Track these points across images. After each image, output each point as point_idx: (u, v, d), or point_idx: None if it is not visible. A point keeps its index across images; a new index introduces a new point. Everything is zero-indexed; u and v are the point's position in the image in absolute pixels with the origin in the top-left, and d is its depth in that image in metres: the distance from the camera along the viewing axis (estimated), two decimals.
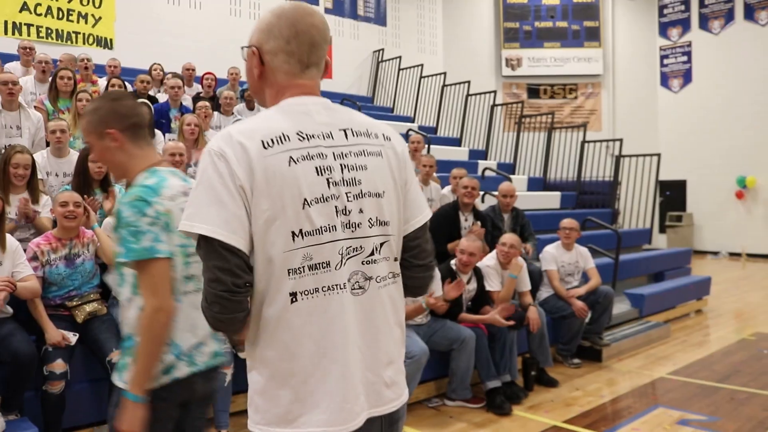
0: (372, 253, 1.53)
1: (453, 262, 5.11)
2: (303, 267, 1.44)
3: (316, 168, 1.47)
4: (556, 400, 5.02)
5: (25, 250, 3.84)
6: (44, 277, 3.85)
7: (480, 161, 10.97)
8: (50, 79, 6.43)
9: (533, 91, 16.88)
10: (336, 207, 1.48)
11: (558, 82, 16.94)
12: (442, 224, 5.76)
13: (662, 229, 16.23)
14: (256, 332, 1.49)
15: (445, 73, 13.32)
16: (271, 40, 1.55)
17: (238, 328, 1.47)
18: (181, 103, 7.10)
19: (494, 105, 12.56)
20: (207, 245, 1.40)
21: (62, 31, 10.52)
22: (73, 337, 3.75)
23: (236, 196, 1.40)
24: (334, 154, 1.50)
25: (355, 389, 1.49)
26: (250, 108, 8.38)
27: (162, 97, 7.61)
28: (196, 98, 7.84)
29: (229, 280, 1.39)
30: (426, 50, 15.75)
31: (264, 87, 1.60)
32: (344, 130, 1.55)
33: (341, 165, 1.50)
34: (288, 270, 1.43)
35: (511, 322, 4.99)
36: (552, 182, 11.64)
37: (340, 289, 1.48)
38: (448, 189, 6.91)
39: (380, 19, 15.12)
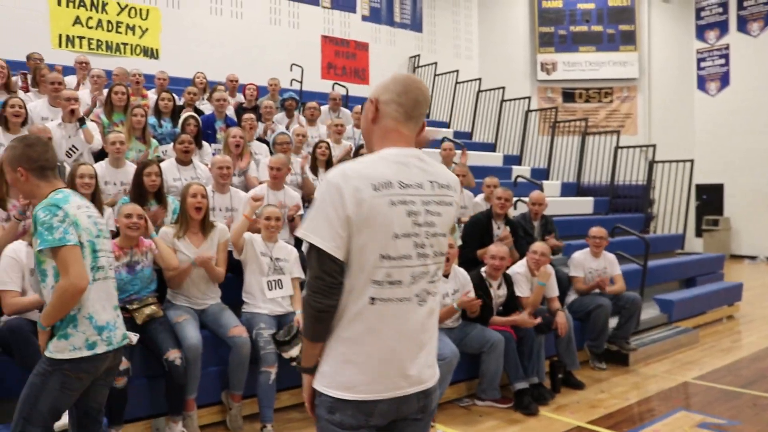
0: (432, 276, 2.06)
1: (483, 269, 5.38)
2: (384, 281, 1.95)
3: (407, 211, 1.97)
4: (581, 402, 5.25)
5: None
6: None
7: (514, 166, 11.17)
8: (105, 93, 6.86)
9: (568, 96, 16.98)
10: (415, 242, 1.99)
11: (593, 86, 17.01)
12: (475, 232, 6.02)
13: (698, 233, 16.21)
14: (339, 319, 1.98)
15: (480, 79, 13.54)
16: (387, 93, 2.07)
17: (330, 315, 1.98)
18: (226, 115, 7.47)
19: (528, 110, 12.74)
20: (317, 253, 1.92)
21: (112, 42, 11.04)
22: (134, 338, 4.10)
23: (343, 222, 1.90)
24: (422, 201, 2.00)
25: (403, 371, 2.00)
26: (290, 116, 8.72)
27: (207, 108, 8.00)
28: (240, 109, 8.21)
29: (328, 280, 1.92)
30: (461, 55, 15.99)
31: (374, 129, 2.10)
32: (431, 182, 2.04)
33: (425, 210, 2.01)
34: (372, 280, 1.94)
35: (538, 320, 5.25)
36: (585, 186, 11.78)
37: (408, 301, 2.00)
38: (481, 197, 7.15)
39: (416, 25, 15.40)
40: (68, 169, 5.36)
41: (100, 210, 4.77)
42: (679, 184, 10.86)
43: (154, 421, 4.40)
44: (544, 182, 10.63)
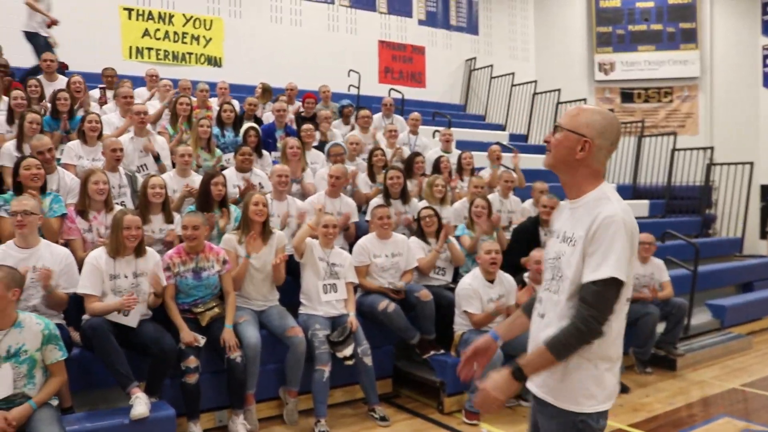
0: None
1: (526, 275, 5.56)
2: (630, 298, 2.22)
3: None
4: (625, 405, 5.38)
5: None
6: (176, 285, 4.60)
7: None
8: (171, 104, 7.31)
9: (627, 96, 16.80)
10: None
11: (652, 85, 16.78)
12: (522, 238, 6.19)
13: (763, 235, 15.84)
14: (604, 340, 2.14)
15: (536, 81, 13.60)
16: (602, 139, 2.20)
17: None
18: (285, 124, 7.82)
19: None
20: (617, 287, 2.08)
21: (177, 52, 11.57)
22: (202, 340, 4.47)
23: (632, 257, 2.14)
24: None
25: None
26: (347, 123, 9.03)
27: (268, 117, 8.37)
28: (298, 117, 8.55)
29: (612, 308, 2.12)
30: (518, 57, 16.01)
31: (579, 165, 2.22)
32: None
33: None
34: (627, 299, 2.19)
35: None
36: (642, 188, 11.72)
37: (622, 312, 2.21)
38: (529, 203, 7.30)
39: (472, 27, 15.51)
40: (140, 180, 5.80)
41: (171, 218, 5.16)
42: (740, 185, 10.71)
43: (218, 414, 4.75)
44: None
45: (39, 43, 8.57)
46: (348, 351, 4.88)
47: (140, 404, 3.95)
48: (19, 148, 5.88)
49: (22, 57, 8.70)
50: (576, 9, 16.56)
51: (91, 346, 4.18)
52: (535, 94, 13.42)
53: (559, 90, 13.13)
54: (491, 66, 14.41)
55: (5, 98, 6.98)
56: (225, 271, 4.74)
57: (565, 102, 12.94)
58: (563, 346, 2.10)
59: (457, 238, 6.07)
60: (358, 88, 12.24)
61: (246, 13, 12.35)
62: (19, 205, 4.18)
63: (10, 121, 6.54)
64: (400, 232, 6.10)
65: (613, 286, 2.05)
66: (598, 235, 2.08)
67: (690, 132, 16.28)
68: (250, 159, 6.14)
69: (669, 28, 16.68)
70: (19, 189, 4.84)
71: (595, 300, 2.06)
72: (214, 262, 4.72)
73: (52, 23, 8.71)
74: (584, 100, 13.02)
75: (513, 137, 12.84)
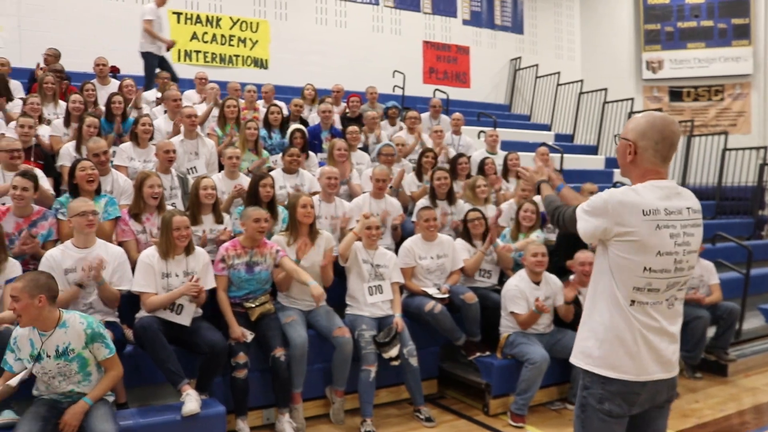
0: (682, 285, 2.49)
1: (571, 277, 5.52)
2: (644, 288, 2.41)
3: (670, 234, 2.40)
4: (674, 410, 5.25)
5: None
6: (228, 276, 4.70)
7: (616, 170, 11.06)
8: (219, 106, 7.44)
9: (675, 94, 16.47)
10: (675, 258, 2.41)
11: (702, 83, 16.41)
12: (570, 240, 6.12)
13: None
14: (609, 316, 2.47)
15: (582, 81, 13.44)
16: (644, 140, 2.44)
17: None
18: (331, 125, 7.89)
19: (632, 112, 12.54)
20: (574, 221, 2.55)
21: (225, 55, 11.76)
22: (249, 336, 4.56)
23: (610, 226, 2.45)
24: (680, 224, 2.42)
25: (658, 358, 2.44)
26: (393, 124, 9.06)
27: (314, 117, 8.46)
28: (344, 118, 8.62)
29: None
30: (563, 56, 15.84)
31: (632, 168, 2.51)
32: (688, 209, 2.46)
33: (683, 232, 2.43)
34: (633, 287, 2.41)
35: None
36: (691, 188, 11.36)
37: (660, 304, 2.45)
38: None
39: (517, 27, 15.40)
40: (191, 181, 5.93)
41: (221, 218, 5.27)
42: None
43: (266, 412, 4.83)
44: None
45: (152, 63, 8.96)
46: (394, 352, 4.91)
47: (191, 401, 4.05)
48: (77, 149, 6.07)
49: (79, 61, 8.97)
50: (623, 6, 16.30)
51: (142, 345, 4.30)
52: (581, 93, 13.26)
53: (605, 89, 12.97)
54: (536, 65, 14.29)
55: (62, 102, 7.21)
56: (280, 257, 4.82)
57: (612, 101, 12.77)
58: (546, 204, 2.85)
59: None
60: (403, 88, 12.27)
61: (291, 15, 12.49)
62: (86, 205, 4.34)
63: (67, 123, 6.75)
64: (445, 233, 6.11)
65: (574, 225, 2.54)
66: (598, 195, 2.49)
67: (742, 131, 15.88)
68: (298, 160, 6.22)
69: (720, 24, 16.29)
70: (75, 190, 5.00)
71: (569, 215, 2.60)
72: (267, 257, 4.81)
73: (170, 46, 9.25)
74: (631, 99, 12.79)
75: (559, 137, 12.73)
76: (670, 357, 2.48)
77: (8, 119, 6.74)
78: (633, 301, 2.42)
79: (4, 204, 4.97)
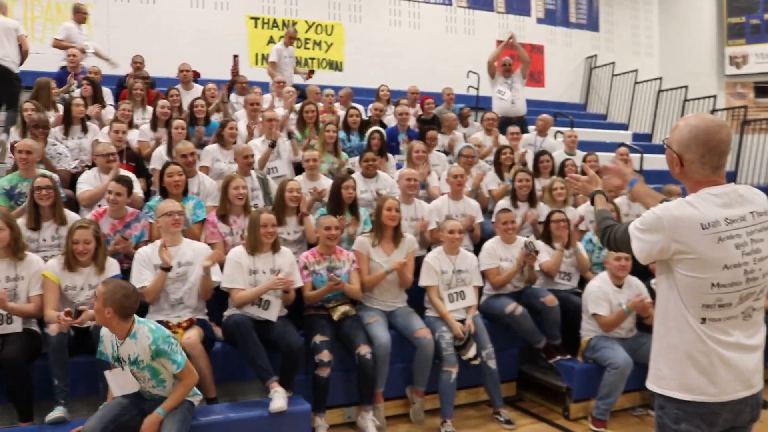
0: (758, 294, 2.31)
1: (653, 281, 5.40)
2: (714, 305, 2.26)
3: (735, 244, 2.23)
4: (764, 422, 5.10)
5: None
6: (312, 282, 4.82)
7: None
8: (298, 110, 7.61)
9: (761, 90, 15.80)
10: (744, 269, 2.24)
11: None
12: None
13: None
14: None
15: (660, 78, 13.09)
16: (689, 153, 2.29)
17: None
18: (408, 127, 7.95)
19: (714, 110, 12.14)
20: (628, 243, 2.40)
21: (300, 58, 11.95)
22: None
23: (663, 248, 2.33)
24: (746, 232, 2.25)
25: (737, 375, 2.29)
26: (465, 125, 9.04)
27: (389, 120, 8.53)
28: (420, 121, 8.66)
29: None
30: (641, 53, 15.44)
31: (685, 180, 2.35)
32: (752, 213, 2.27)
33: (750, 240, 2.25)
34: (702, 305, 2.27)
35: None
36: None
37: (735, 318, 2.28)
38: None
39: (593, 24, 15.12)
40: (271, 182, 6.09)
41: (302, 222, 5.39)
42: None
43: (346, 410, 4.93)
44: None
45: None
46: (471, 352, 4.93)
47: (279, 398, 4.17)
48: (169, 152, 6.32)
49: (162, 68, 9.31)
50: (704, 0, 15.79)
51: (233, 341, 4.45)
52: (660, 91, 12.93)
53: (686, 87, 12.60)
54: (613, 63, 14.00)
55: (149, 107, 7.51)
56: (353, 269, 4.92)
57: (693, 99, 12.41)
58: (598, 220, 2.68)
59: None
60: (477, 89, 12.23)
61: (366, 18, 12.62)
62: (173, 206, 4.55)
63: (153, 127, 7.03)
64: (524, 232, 6.08)
65: (628, 246, 2.38)
66: (650, 210, 2.33)
67: None
68: (374, 164, 6.29)
69: None
70: (164, 193, 5.23)
71: (621, 234, 2.45)
72: (345, 262, 4.92)
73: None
74: (713, 96, 12.39)
75: (636, 137, 12.44)
76: (752, 372, 2.31)
77: (101, 125, 7.06)
78: (704, 319, 2.26)
79: (100, 206, 5.24)
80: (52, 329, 3.99)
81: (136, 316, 3.65)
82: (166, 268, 4.33)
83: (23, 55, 7.66)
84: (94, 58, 8.79)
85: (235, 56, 8.80)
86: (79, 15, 8.87)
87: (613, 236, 2.51)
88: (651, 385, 2.43)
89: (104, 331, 3.72)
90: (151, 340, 3.57)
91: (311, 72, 9.91)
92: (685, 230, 2.22)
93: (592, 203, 2.88)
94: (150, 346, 3.57)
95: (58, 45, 8.65)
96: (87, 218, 4.76)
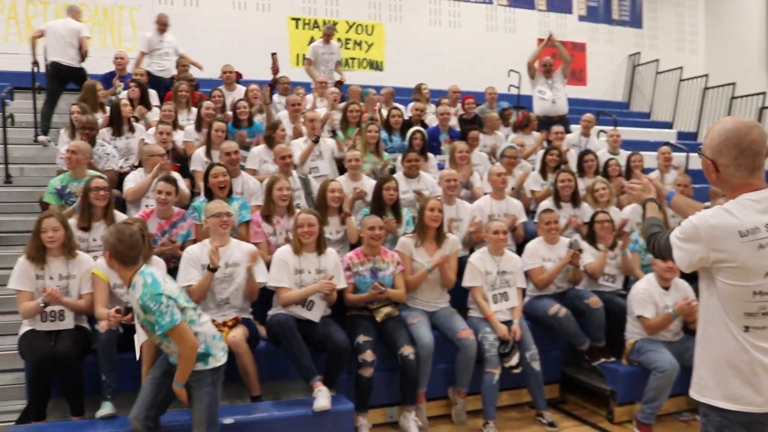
0: None
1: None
2: (757, 313, 2.23)
3: None
4: None
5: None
6: (354, 284, 4.84)
7: None
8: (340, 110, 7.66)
9: None
10: None
11: None
12: None
13: None
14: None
15: (707, 75, 12.83)
16: (722, 157, 2.26)
17: None
18: (449, 127, 7.93)
19: (763, 107, 11.84)
20: (669, 251, 2.42)
21: (341, 58, 12.01)
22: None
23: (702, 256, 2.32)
24: None
25: None
26: (507, 125, 8.97)
27: (431, 119, 8.52)
28: (461, 120, 8.63)
29: None
30: (686, 50, 15.17)
31: (722, 185, 2.33)
32: None
33: None
34: (744, 313, 2.25)
35: None
36: None
37: None
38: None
39: (636, 21, 14.90)
40: (313, 182, 6.13)
41: (344, 219, 5.42)
42: None
43: (388, 410, 4.95)
44: None
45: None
46: (514, 360, 4.91)
47: (323, 397, 4.20)
48: (207, 154, 6.41)
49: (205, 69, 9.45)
50: None
51: (277, 340, 4.50)
52: (706, 88, 12.66)
53: (733, 84, 12.31)
54: (657, 60, 13.79)
55: (194, 109, 7.63)
56: (398, 271, 4.92)
57: (741, 96, 12.11)
58: (646, 227, 2.65)
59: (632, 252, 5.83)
60: (518, 87, 12.14)
61: (406, 18, 12.64)
62: (222, 207, 4.59)
63: (198, 128, 7.14)
64: (567, 233, 6.02)
65: (670, 254, 2.37)
66: (689, 219, 2.31)
67: None
68: (417, 164, 6.28)
69: None
70: (209, 194, 5.30)
71: (664, 243, 2.43)
72: (389, 264, 4.92)
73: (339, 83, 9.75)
74: (763, 94, 12.06)
75: (681, 135, 12.22)
76: None
77: (147, 126, 7.20)
78: (747, 327, 2.24)
79: (147, 206, 5.35)
80: (102, 326, 4.09)
81: (144, 266, 3.55)
82: (213, 269, 4.38)
83: (83, 55, 8.31)
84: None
85: (273, 54, 8.84)
86: (160, 25, 9.16)
87: (658, 244, 2.51)
88: (694, 393, 2.40)
89: None
90: (140, 294, 3.43)
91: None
92: (723, 239, 2.19)
93: (644, 210, 2.87)
94: (138, 300, 3.44)
95: (141, 57, 9.08)
96: (134, 217, 4.86)
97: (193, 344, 3.52)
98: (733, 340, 2.26)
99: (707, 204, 2.96)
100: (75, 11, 8.63)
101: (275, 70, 8.95)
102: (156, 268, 3.70)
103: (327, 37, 9.79)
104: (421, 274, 4.97)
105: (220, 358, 3.68)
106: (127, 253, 3.47)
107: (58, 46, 8.19)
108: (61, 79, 8.30)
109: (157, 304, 3.39)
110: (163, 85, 8.79)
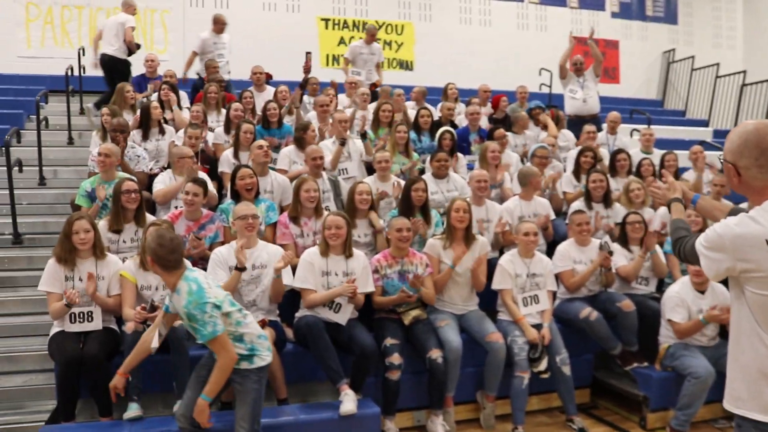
0: None
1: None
2: None
3: None
4: None
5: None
6: (383, 286, 4.80)
7: None
8: (372, 110, 7.62)
9: None
10: None
11: None
12: None
13: None
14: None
15: (744, 72, 12.53)
16: (743, 159, 2.19)
17: None
18: (479, 127, 7.84)
19: None
20: (696, 256, 2.33)
21: (382, 60, 12.00)
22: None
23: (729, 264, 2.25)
24: None
25: None
26: (536, 124, 8.84)
27: (461, 119, 8.44)
28: (492, 120, 8.54)
29: None
30: (723, 45, 14.84)
31: (746, 191, 2.24)
32: None
33: None
34: None
35: None
36: None
37: None
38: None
39: (671, 17, 14.63)
40: (342, 183, 6.11)
41: (374, 222, 5.38)
42: None
43: (416, 413, 4.90)
44: None
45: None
46: (543, 365, 4.83)
47: (349, 401, 4.18)
48: (236, 155, 6.43)
49: (236, 70, 9.49)
50: None
51: (304, 342, 4.49)
52: (743, 85, 12.37)
53: None
54: (692, 57, 13.51)
55: (224, 110, 7.66)
56: (427, 274, 4.87)
57: None
58: (671, 230, 2.58)
59: (666, 255, 5.67)
60: (550, 86, 12.00)
61: (436, 16, 12.57)
62: (248, 209, 4.60)
63: (227, 130, 7.17)
64: (599, 236, 5.91)
65: (697, 260, 2.30)
66: (713, 227, 2.24)
67: None
68: (446, 165, 6.23)
69: None
70: (236, 196, 5.31)
71: (689, 248, 2.38)
72: (418, 266, 4.87)
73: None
74: None
75: (717, 134, 11.93)
76: None
77: (177, 128, 7.25)
78: None
79: (177, 208, 5.37)
80: (129, 327, 4.13)
81: (188, 270, 3.57)
82: (241, 269, 4.38)
83: (128, 46, 8.69)
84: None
85: (308, 53, 8.84)
86: (218, 26, 9.27)
87: (684, 249, 2.46)
88: (728, 405, 2.34)
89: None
90: (185, 302, 3.44)
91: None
92: (749, 248, 2.12)
93: (669, 210, 2.79)
94: (184, 308, 3.45)
95: (192, 57, 9.29)
96: (162, 218, 4.88)
97: (233, 357, 3.54)
98: (764, 349, 2.19)
99: (743, 206, 2.84)
100: (128, 5, 8.93)
101: (307, 69, 8.94)
102: (199, 271, 3.71)
103: (371, 38, 9.69)
104: (446, 273, 4.91)
105: (265, 357, 3.70)
106: (168, 257, 3.49)
107: (106, 38, 8.71)
108: (108, 69, 8.65)
109: (201, 313, 3.41)
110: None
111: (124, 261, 4.56)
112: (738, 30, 15.02)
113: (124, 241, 4.92)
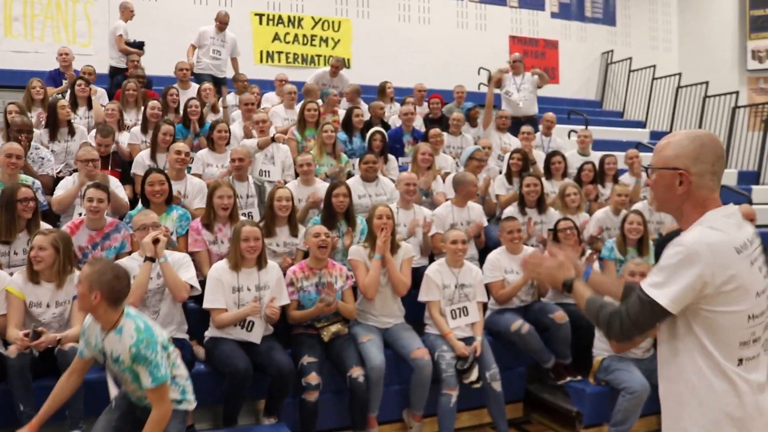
0: None
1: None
2: (749, 341, 1.96)
3: (758, 267, 1.97)
4: None
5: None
6: (298, 300, 4.46)
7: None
8: (298, 109, 7.24)
9: None
10: (767, 294, 1.98)
11: None
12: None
13: None
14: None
15: (680, 74, 12.62)
16: (699, 164, 1.99)
17: None
18: (413, 128, 7.54)
19: (736, 107, 11.65)
20: (655, 313, 1.96)
21: (306, 55, 11.66)
22: None
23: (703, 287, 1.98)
24: (758, 253, 1.99)
25: None
26: (473, 125, 8.62)
27: (393, 120, 8.14)
28: (427, 120, 8.27)
29: None
30: (659, 48, 14.96)
31: (685, 201, 2.02)
32: (753, 232, 2.04)
33: (763, 261, 2.00)
34: (739, 343, 1.96)
35: None
36: None
37: (759, 355, 1.99)
38: None
39: (609, 18, 14.66)
40: (268, 189, 5.75)
41: (296, 231, 5.03)
42: None
43: None
44: (754, 187, 9.71)
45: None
46: (473, 376, 4.57)
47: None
48: (152, 157, 6.00)
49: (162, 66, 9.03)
50: None
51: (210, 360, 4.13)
52: (679, 87, 12.45)
53: (706, 83, 12.11)
54: (630, 59, 13.54)
55: (143, 108, 7.19)
56: (347, 287, 4.56)
57: (714, 95, 11.90)
58: (593, 312, 2.08)
59: (602, 260, 5.52)
60: (489, 86, 11.81)
61: (374, 13, 12.26)
62: (148, 218, 4.26)
63: (144, 130, 6.71)
64: (531, 244, 5.69)
65: (653, 309, 1.93)
66: (666, 255, 1.93)
67: None
68: (375, 167, 5.92)
69: None
70: (147, 202, 4.91)
71: (634, 307, 1.97)
72: (338, 278, 4.55)
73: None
74: (736, 93, 11.89)
75: (655, 135, 11.97)
76: None
77: (90, 128, 6.77)
78: (740, 360, 1.93)
79: (81, 214, 4.92)
80: (11, 351, 3.69)
81: (127, 308, 3.21)
82: (151, 258, 4.03)
83: (122, 53, 8.73)
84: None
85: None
86: (219, 23, 8.95)
87: (625, 316, 1.99)
88: None
89: (88, 321, 3.30)
90: (134, 341, 3.07)
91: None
92: (725, 254, 1.90)
93: (568, 292, 2.25)
94: (131, 348, 3.07)
95: (191, 50, 9.00)
96: (50, 227, 4.43)
97: (168, 409, 3.18)
98: (725, 381, 1.92)
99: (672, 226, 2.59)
100: (121, 9, 8.93)
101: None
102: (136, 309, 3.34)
103: (335, 70, 9.34)
104: (375, 265, 4.58)
105: (192, 402, 3.45)
106: (124, 291, 3.17)
107: (109, 50, 8.87)
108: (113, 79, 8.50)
109: (153, 353, 3.08)
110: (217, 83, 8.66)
111: (11, 275, 4.11)
112: (673, 33, 15.16)
113: (16, 253, 4.46)
